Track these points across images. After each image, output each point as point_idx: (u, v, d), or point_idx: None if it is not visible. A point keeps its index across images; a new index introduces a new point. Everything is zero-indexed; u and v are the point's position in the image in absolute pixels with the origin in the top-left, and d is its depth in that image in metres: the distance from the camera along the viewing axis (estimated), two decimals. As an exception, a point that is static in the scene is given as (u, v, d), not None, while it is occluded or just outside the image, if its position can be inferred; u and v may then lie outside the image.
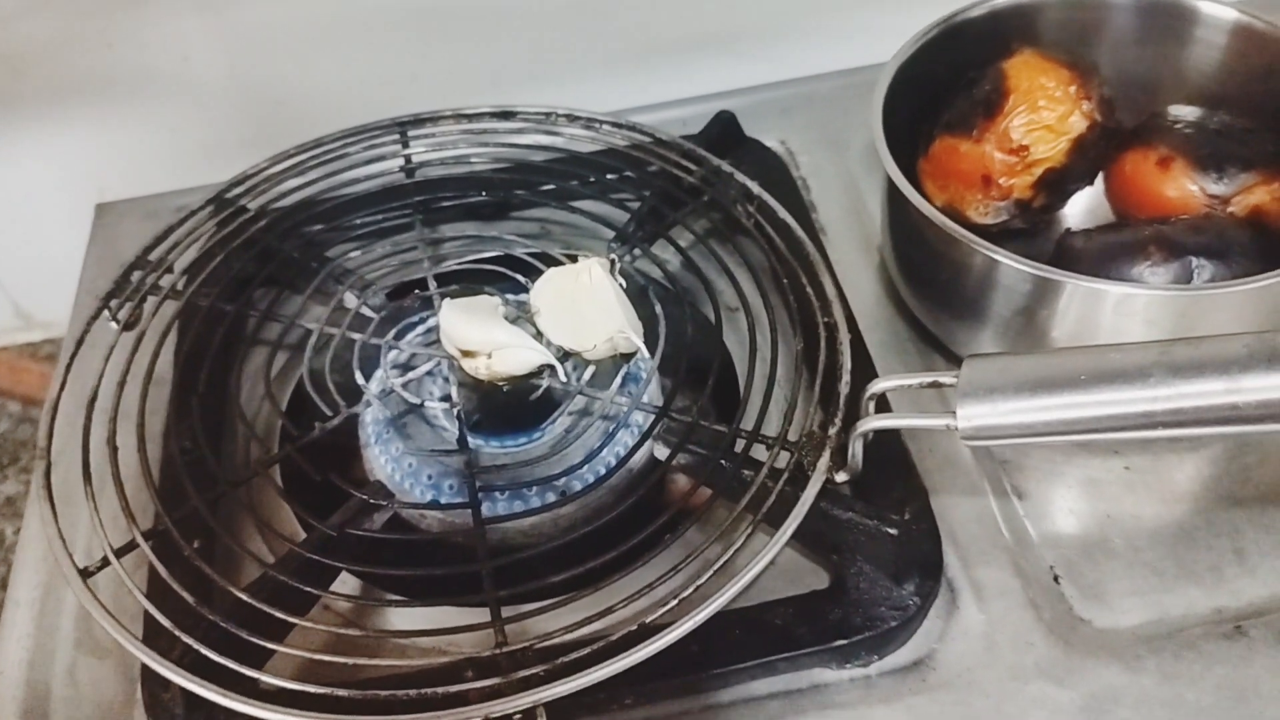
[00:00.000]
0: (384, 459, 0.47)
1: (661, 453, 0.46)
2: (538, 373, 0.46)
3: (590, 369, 0.47)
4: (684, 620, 0.39)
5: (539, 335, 0.46)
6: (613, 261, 0.47)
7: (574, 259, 0.50)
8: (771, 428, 0.45)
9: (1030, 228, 0.54)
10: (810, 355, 0.47)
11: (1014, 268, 0.45)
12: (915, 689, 0.42)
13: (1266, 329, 0.36)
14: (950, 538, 0.46)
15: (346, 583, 0.46)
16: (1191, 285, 0.45)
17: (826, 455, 0.42)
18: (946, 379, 0.39)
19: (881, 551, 0.43)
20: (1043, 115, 0.50)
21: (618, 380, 0.46)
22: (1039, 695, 0.41)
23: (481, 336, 0.45)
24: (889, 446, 0.47)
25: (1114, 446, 0.48)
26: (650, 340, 0.47)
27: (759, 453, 0.44)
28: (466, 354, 0.45)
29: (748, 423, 0.45)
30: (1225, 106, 0.53)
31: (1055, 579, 0.45)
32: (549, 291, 0.46)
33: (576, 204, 0.56)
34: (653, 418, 0.45)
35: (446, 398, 0.48)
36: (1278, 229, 0.49)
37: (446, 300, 0.46)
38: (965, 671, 0.42)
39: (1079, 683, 0.42)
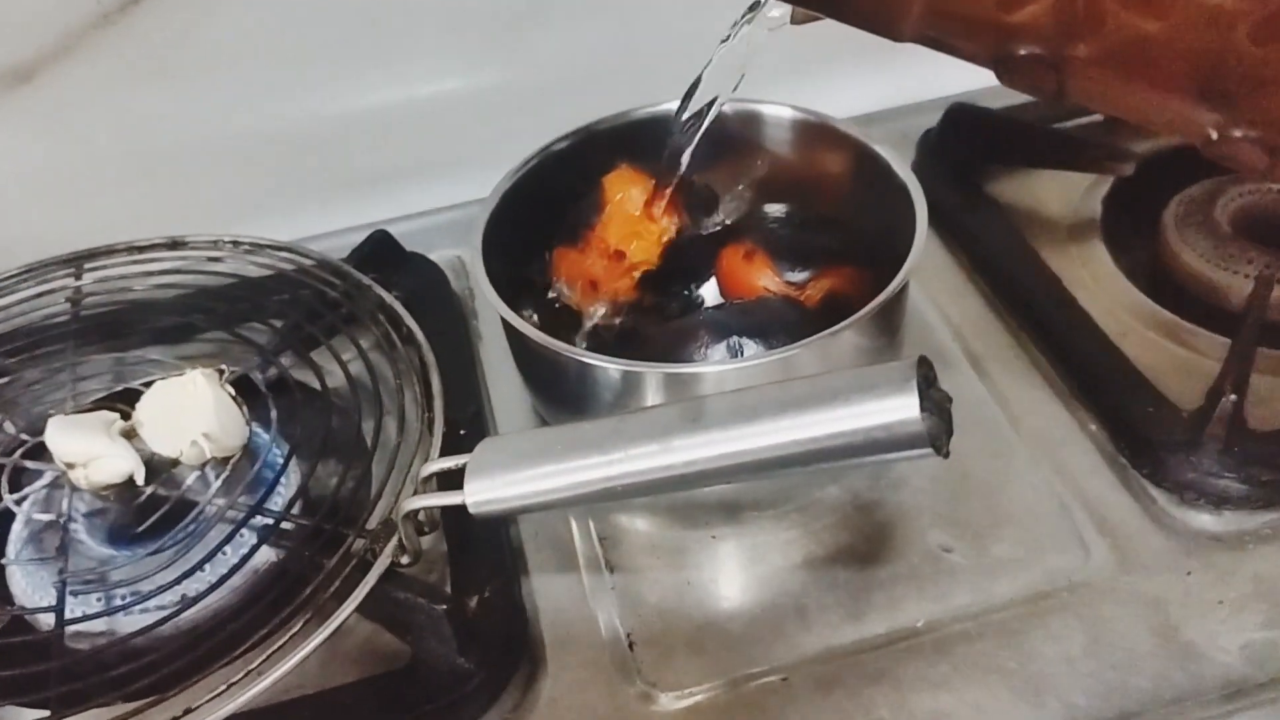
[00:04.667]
0: (12, 567, 0.50)
1: (264, 551, 0.49)
2: (147, 481, 0.49)
3: (195, 473, 0.50)
4: (222, 708, 0.41)
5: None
6: (220, 372, 0.51)
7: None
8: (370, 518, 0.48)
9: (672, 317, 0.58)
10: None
11: (577, 360, 0.48)
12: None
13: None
14: (539, 612, 0.49)
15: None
16: (716, 362, 0.49)
17: (393, 541, 0.46)
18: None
19: (443, 629, 0.45)
20: (633, 223, 0.56)
21: (216, 483, 0.49)
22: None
23: (75, 448, 0.48)
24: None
25: (703, 518, 0.52)
26: (267, 445, 0.50)
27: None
28: (69, 465, 0.48)
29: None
30: (804, 201, 0.59)
31: (630, 645, 0.48)
32: (156, 403, 0.50)
33: (238, 326, 0.59)
34: (243, 516, 0.48)
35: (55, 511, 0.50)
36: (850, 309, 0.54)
37: (55, 417, 0.50)
38: (536, 740, 0.45)
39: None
